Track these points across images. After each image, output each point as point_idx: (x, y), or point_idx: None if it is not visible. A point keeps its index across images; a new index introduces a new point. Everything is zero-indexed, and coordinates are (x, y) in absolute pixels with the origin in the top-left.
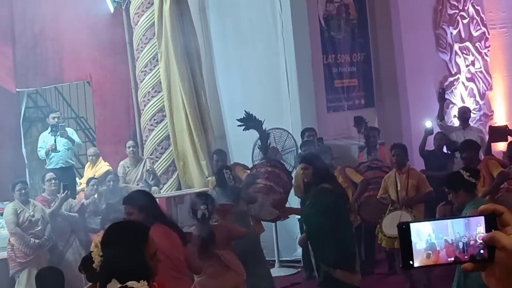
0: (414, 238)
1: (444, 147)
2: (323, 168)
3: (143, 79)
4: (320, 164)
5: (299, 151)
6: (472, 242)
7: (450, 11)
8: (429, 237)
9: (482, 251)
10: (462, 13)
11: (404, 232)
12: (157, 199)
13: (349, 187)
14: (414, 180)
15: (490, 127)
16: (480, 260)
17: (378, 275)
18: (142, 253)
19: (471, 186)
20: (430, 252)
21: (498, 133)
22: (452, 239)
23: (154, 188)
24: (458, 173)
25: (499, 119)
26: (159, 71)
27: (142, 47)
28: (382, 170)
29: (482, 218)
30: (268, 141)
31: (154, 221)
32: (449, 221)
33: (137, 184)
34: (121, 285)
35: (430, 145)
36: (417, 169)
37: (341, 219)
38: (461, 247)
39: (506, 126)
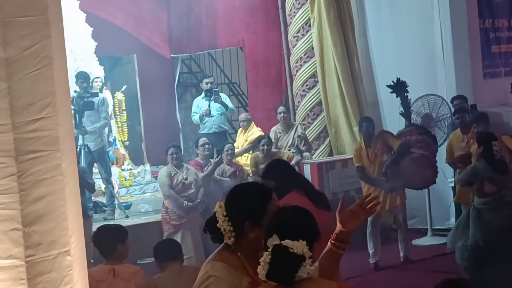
0: None
1: None
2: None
3: (295, 45)
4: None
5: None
6: None
7: None
8: None
9: None
10: None
11: None
12: (308, 165)
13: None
14: None
15: None
16: None
17: None
18: (265, 209)
19: None
20: None
21: None
22: None
23: (305, 154)
24: None
25: None
26: (312, 37)
27: (294, 12)
28: None
29: None
30: (410, 108)
31: (289, 189)
32: None
33: (289, 150)
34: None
35: None
36: None
37: None
38: None
39: None
